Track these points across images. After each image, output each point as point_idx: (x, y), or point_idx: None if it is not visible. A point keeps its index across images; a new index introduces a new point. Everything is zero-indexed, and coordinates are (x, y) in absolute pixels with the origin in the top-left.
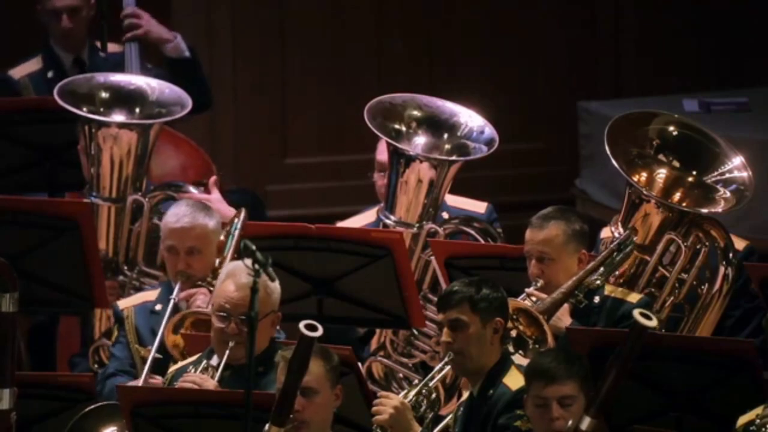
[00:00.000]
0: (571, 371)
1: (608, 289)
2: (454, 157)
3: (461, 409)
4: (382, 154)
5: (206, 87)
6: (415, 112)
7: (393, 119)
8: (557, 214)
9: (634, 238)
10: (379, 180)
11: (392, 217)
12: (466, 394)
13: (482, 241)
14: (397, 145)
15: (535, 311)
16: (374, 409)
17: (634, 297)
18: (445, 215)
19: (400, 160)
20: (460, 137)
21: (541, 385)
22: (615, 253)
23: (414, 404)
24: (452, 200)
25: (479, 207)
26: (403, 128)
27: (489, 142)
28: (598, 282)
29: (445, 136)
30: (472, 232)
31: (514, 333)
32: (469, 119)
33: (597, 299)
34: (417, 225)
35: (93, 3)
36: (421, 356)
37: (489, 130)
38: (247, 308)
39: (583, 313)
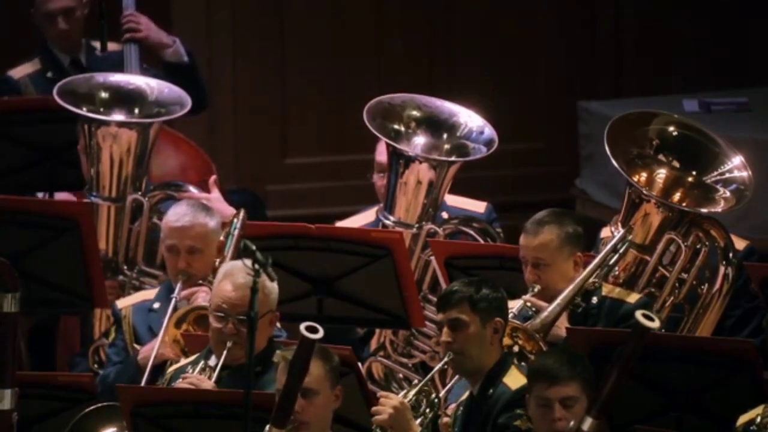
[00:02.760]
0: (574, 372)
1: (606, 290)
2: (453, 158)
3: (461, 408)
4: (381, 154)
5: (204, 91)
6: (415, 113)
7: (392, 120)
8: (551, 218)
9: (629, 237)
10: (379, 181)
11: (391, 218)
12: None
13: (482, 241)
14: (396, 145)
15: (531, 330)
16: (374, 409)
17: (633, 297)
18: (445, 215)
19: (400, 160)
20: (460, 137)
21: (544, 386)
22: (611, 255)
23: (413, 404)
24: (452, 200)
25: (479, 207)
26: (403, 129)
27: (488, 143)
28: (596, 283)
29: (445, 136)
30: (472, 232)
31: (516, 349)
32: (469, 119)
33: (595, 300)
34: (417, 225)
35: (86, 1)
36: (421, 356)
37: (488, 131)
38: (244, 308)
39: (582, 317)
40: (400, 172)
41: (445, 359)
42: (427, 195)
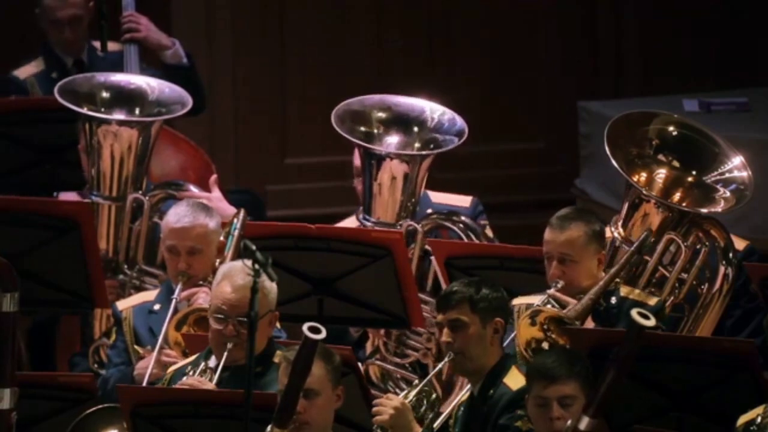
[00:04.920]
0: (572, 371)
1: (624, 291)
2: (424, 152)
3: (461, 409)
4: (357, 158)
5: (202, 93)
6: (381, 114)
7: (362, 122)
8: (576, 215)
9: (652, 239)
10: (359, 185)
11: (371, 219)
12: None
13: (463, 237)
14: (366, 145)
15: (567, 318)
16: (374, 409)
17: (652, 301)
18: (430, 212)
19: (372, 161)
20: (431, 131)
21: (543, 385)
22: (635, 256)
23: (414, 404)
24: (436, 197)
25: (464, 201)
26: (374, 130)
27: (459, 133)
28: (616, 283)
29: (416, 131)
30: (452, 226)
31: (546, 345)
32: (438, 112)
33: (614, 300)
34: (398, 224)
35: (92, 6)
36: (414, 354)
37: (459, 122)
38: (244, 309)
39: (604, 316)
40: (374, 174)
41: (446, 359)
42: (403, 191)
